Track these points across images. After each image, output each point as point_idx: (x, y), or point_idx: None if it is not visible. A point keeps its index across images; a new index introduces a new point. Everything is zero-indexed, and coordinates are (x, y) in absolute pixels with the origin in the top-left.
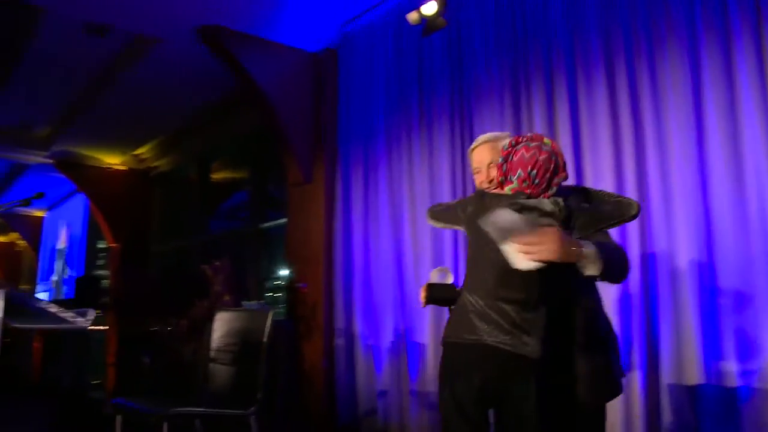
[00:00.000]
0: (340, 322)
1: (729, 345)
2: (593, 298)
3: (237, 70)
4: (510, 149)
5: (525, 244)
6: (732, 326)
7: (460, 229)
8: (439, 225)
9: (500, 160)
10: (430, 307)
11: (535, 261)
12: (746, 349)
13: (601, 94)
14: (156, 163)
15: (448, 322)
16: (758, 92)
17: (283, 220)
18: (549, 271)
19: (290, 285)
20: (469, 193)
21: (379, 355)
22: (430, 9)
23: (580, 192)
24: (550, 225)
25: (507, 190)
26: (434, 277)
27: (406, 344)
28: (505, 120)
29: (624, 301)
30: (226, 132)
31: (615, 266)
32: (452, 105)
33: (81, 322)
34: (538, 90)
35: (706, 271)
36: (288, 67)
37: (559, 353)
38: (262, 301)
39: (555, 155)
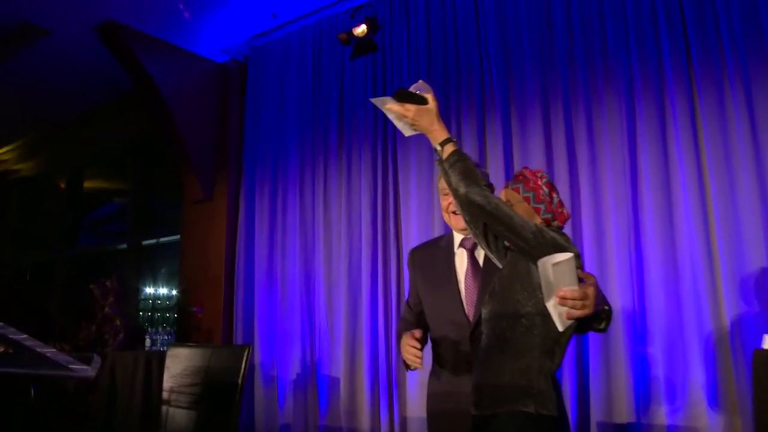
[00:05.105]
0: None
1: (657, 385)
2: None
3: (136, 73)
4: (540, 182)
5: (571, 299)
6: (660, 368)
7: None
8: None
9: (542, 195)
10: (344, 340)
11: (571, 319)
12: (672, 390)
13: (535, 134)
14: (17, 166)
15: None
16: (689, 141)
17: (168, 238)
18: None
19: (183, 309)
20: (390, 224)
21: (283, 387)
22: (361, 31)
23: None
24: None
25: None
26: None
27: (316, 377)
28: (432, 151)
29: None
30: (106, 139)
31: None
32: (376, 130)
33: (83, 371)
34: (470, 124)
35: (638, 316)
36: (192, 76)
37: None
38: (168, 329)
39: None
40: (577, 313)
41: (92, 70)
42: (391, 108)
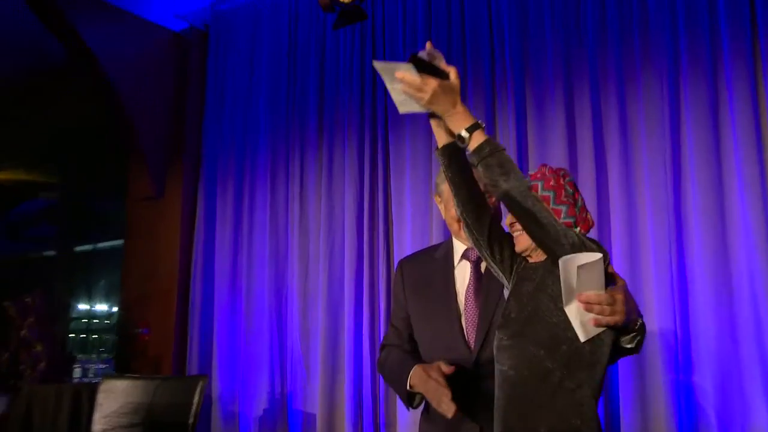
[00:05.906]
0: None
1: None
2: None
3: (68, 41)
4: (562, 181)
5: (597, 303)
6: (710, 403)
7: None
8: None
9: (564, 196)
10: (322, 370)
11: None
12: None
13: (556, 122)
14: None
15: None
16: (748, 132)
17: (107, 243)
18: None
19: (125, 330)
20: (379, 229)
21: (246, 426)
22: None
23: None
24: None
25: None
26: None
27: (287, 414)
28: (428, 140)
29: None
30: (31, 121)
31: None
32: (362, 115)
33: None
34: (476, 108)
35: (680, 342)
36: (141, 47)
37: None
38: (105, 355)
39: None
40: (606, 319)
41: (14, 36)
42: (403, 77)
